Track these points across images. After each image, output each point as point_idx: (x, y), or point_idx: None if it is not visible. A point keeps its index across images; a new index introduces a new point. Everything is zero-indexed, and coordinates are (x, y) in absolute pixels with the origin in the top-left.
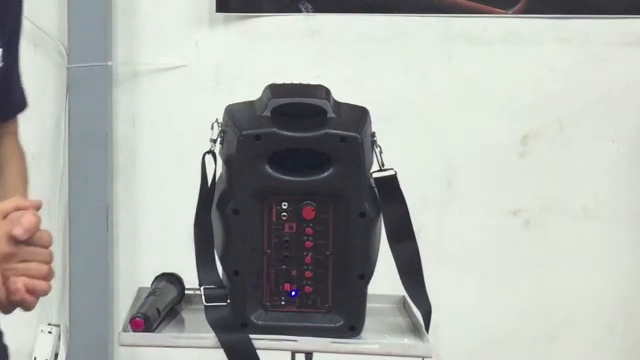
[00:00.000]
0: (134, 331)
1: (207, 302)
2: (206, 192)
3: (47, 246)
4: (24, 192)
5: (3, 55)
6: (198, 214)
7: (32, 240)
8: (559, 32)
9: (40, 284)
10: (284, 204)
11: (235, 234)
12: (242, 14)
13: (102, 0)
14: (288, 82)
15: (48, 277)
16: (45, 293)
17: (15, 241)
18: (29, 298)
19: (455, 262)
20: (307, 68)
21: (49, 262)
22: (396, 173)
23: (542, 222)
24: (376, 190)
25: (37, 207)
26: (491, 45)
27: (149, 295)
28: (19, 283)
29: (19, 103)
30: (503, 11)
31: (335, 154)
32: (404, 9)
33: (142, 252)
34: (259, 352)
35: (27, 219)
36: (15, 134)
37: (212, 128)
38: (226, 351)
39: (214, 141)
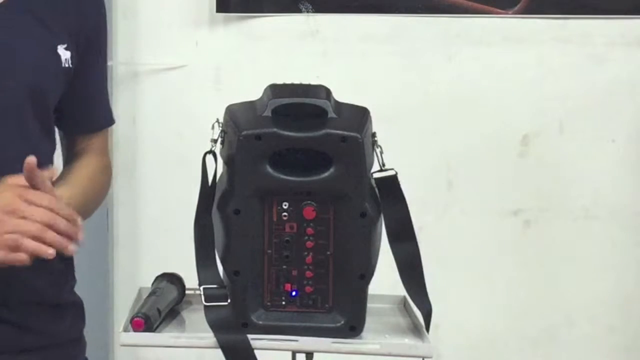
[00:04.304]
0: (134, 331)
1: (206, 301)
2: (206, 192)
3: (44, 206)
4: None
5: (71, 59)
6: (198, 214)
7: (29, 199)
8: (559, 32)
9: (26, 242)
10: (284, 203)
11: (235, 234)
12: (242, 14)
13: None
14: (288, 82)
15: (41, 237)
16: (36, 252)
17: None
18: (15, 256)
19: (455, 262)
20: (307, 68)
21: (45, 222)
22: (396, 173)
23: (542, 222)
24: (376, 190)
25: (50, 176)
26: (491, 45)
27: (149, 295)
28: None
29: (98, 119)
30: (503, 11)
31: (335, 154)
32: (404, 9)
33: (142, 252)
34: (259, 352)
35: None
36: (99, 150)
37: (213, 128)
38: (224, 351)
39: (215, 141)
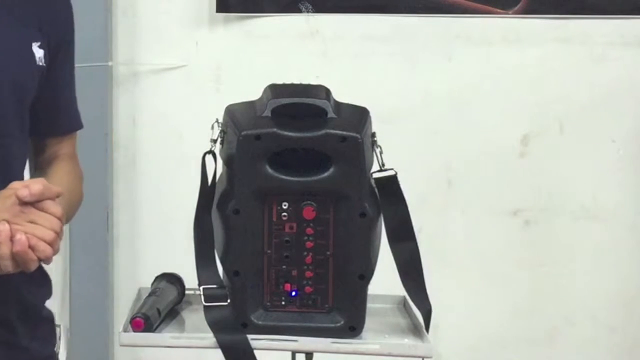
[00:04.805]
0: (134, 331)
1: (206, 301)
2: (206, 192)
3: (56, 216)
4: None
5: (44, 57)
6: (198, 214)
7: (42, 207)
8: (559, 32)
9: (42, 245)
10: (284, 203)
11: (235, 234)
12: (242, 14)
13: (102, 0)
14: (288, 82)
15: (53, 243)
16: (47, 256)
17: (22, 203)
18: (30, 254)
19: (455, 262)
20: (307, 68)
21: (56, 230)
22: (396, 173)
23: (542, 222)
24: (376, 190)
25: (58, 194)
26: (491, 45)
27: (149, 295)
28: (23, 235)
29: (68, 121)
30: (503, 11)
31: (335, 154)
32: (404, 9)
33: (142, 252)
34: (259, 352)
35: (34, 185)
36: (70, 155)
37: (212, 128)
38: (223, 351)
39: (214, 141)
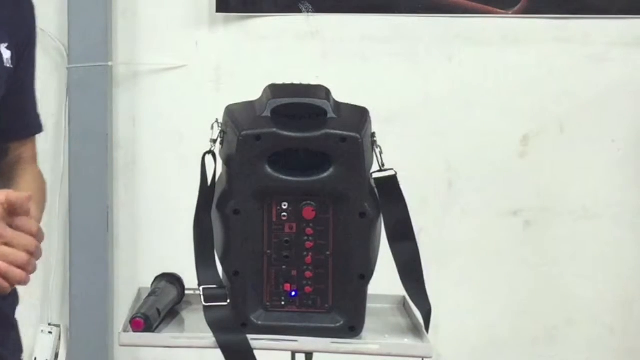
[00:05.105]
0: (134, 331)
1: (206, 302)
2: (206, 192)
3: (31, 234)
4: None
5: (12, 59)
6: (198, 214)
7: (17, 225)
8: (559, 32)
9: (14, 271)
10: (283, 204)
11: (235, 234)
12: (242, 14)
13: (102, 0)
14: (288, 82)
15: (26, 266)
16: (20, 282)
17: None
18: (3, 282)
19: (455, 262)
20: (307, 68)
21: (30, 251)
22: (396, 173)
23: (542, 222)
24: (376, 190)
25: (29, 197)
26: (491, 45)
27: (149, 295)
28: None
29: (32, 124)
30: (503, 11)
31: (335, 154)
32: (404, 9)
33: (142, 252)
34: (258, 352)
35: (12, 194)
36: (31, 159)
37: (212, 128)
38: (223, 351)
39: (214, 141)
